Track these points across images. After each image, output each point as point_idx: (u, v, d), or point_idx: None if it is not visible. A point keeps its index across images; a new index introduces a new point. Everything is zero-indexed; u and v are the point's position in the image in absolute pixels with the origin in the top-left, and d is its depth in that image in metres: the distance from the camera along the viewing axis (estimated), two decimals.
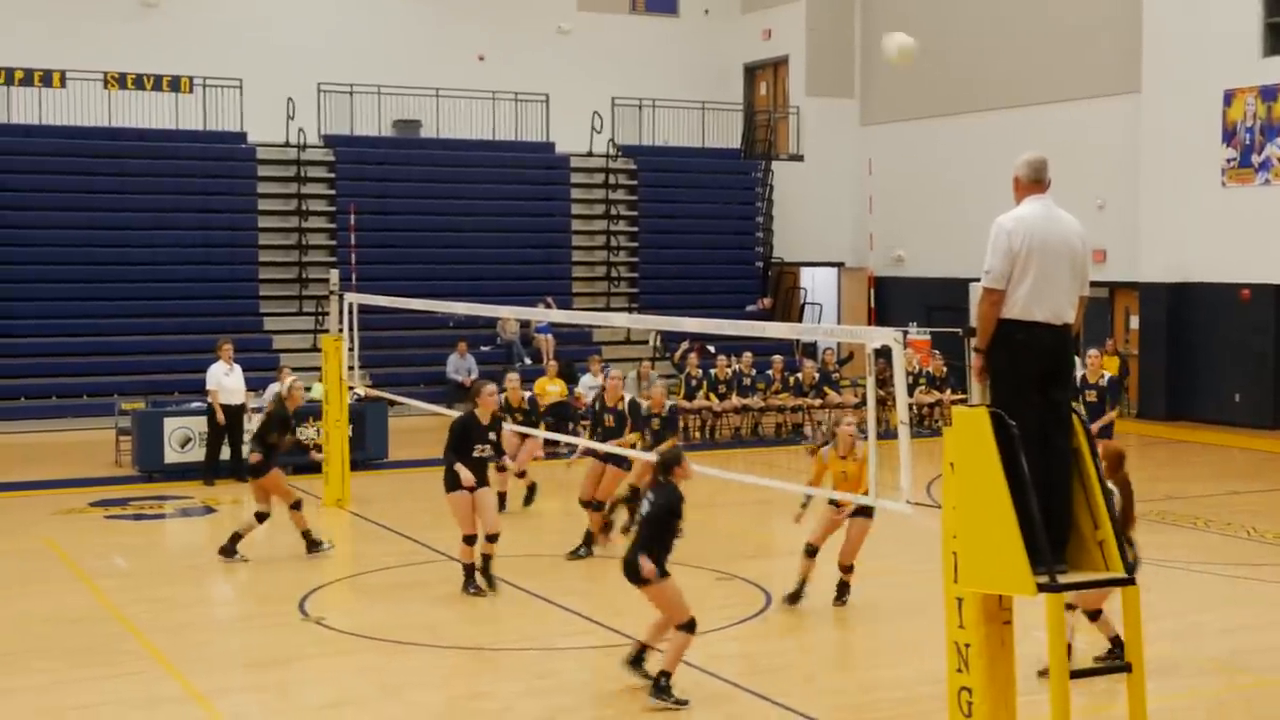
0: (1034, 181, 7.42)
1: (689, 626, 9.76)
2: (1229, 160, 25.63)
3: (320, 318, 26.84)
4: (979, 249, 7.35)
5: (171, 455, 19.63)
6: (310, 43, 31.31)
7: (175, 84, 29.05)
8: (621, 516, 14.54)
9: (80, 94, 28.56)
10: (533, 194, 31.51)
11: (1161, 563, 13.90)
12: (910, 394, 21.04)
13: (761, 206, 33.78)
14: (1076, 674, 7.04)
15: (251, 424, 17.73)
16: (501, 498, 15.82)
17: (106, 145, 28.29)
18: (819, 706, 9.82)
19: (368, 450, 20.38)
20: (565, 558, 14.47)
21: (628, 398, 15.09)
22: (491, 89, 31.91)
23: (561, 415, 21.84)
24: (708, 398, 24.24)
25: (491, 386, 13.26)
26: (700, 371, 24.69)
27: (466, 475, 12.52)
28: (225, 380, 19.21)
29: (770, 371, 25.03)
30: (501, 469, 13.22)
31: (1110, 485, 8.41)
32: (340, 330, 17.48)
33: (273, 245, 29.21)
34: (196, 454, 19.52)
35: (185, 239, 28.09)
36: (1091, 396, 16.39)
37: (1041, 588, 6.79)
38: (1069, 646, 10.10)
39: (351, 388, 18.19)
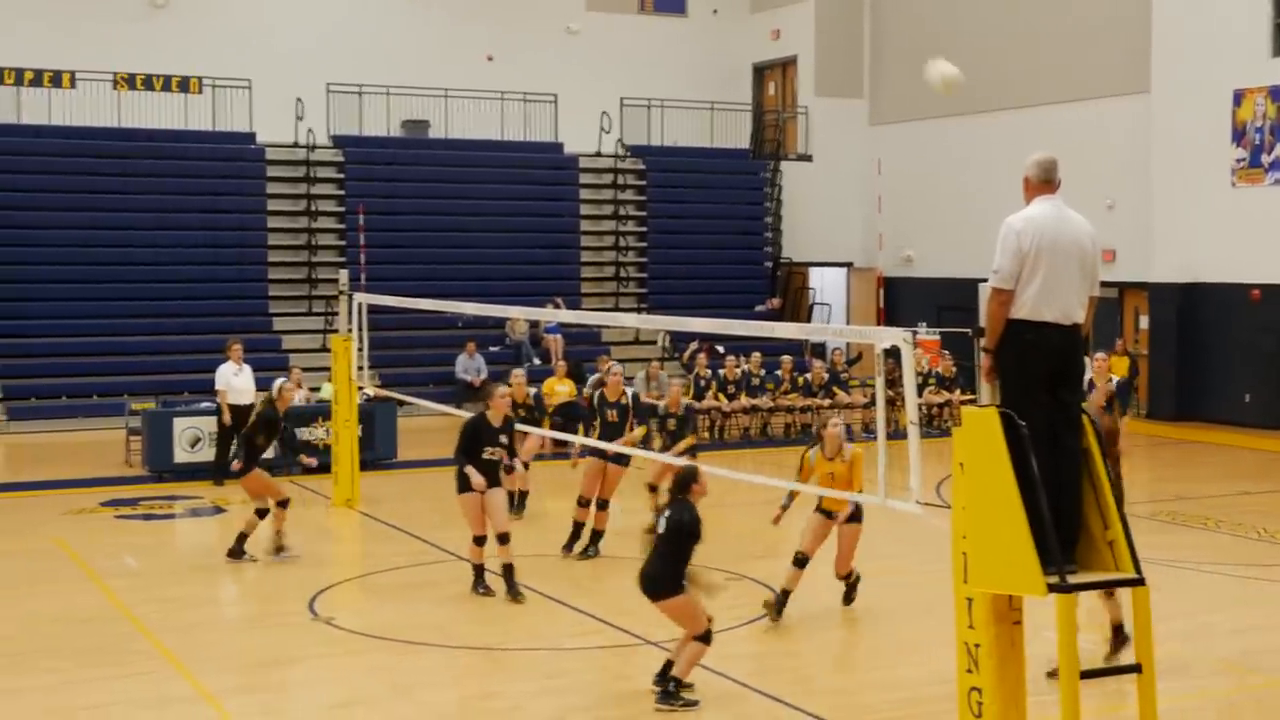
0: (1044, 182, 7.41)
1: (705, 638, 9.73)
2: (1239, 160, 25.58)
3: (329, 318, 26.86)
4: (988, 249, 7.34)
5: (181, 455, 19.67)
6: (319, 43, 31.33)
7: (184, 84, 29.09)
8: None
9: (89, 94, 28.61)
10: (541, 194, 31.52)
11: (1172, 563, 13.89)
12: (919, 394, 21.01)
13: (770, 206, 33.77)
14: (1087, 674, 7.02)
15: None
16: (513, 497, 15.77)
17: (116, 146, 28.33)
18: (827, 706, 9.81)
19: (377, 450, 20.40)
20: (575, 558, 14.48)
21: (629, 392, 15.05)
22: (500, 89, 31.93)
23: (570, 415, 21.83)
24: (716, 398, 24.24)
25: (504, 389, 13.24)
26: (709, 372, 24.69)
27: (477, 479, 12.50)
28: (234, 380, 19.22)
29: (779, 372, 25.02)
30: (509, 470, 13.18)
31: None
32: (349, 330, 17.49)
33: (282, 245, 29.24)
34: (206, 454, 19.54)
35: (194, 239, 28.12)
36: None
37: (1052, 588, 6.79)
38: (1122, 629, 10.06)
39: (361, 388, 18.21)
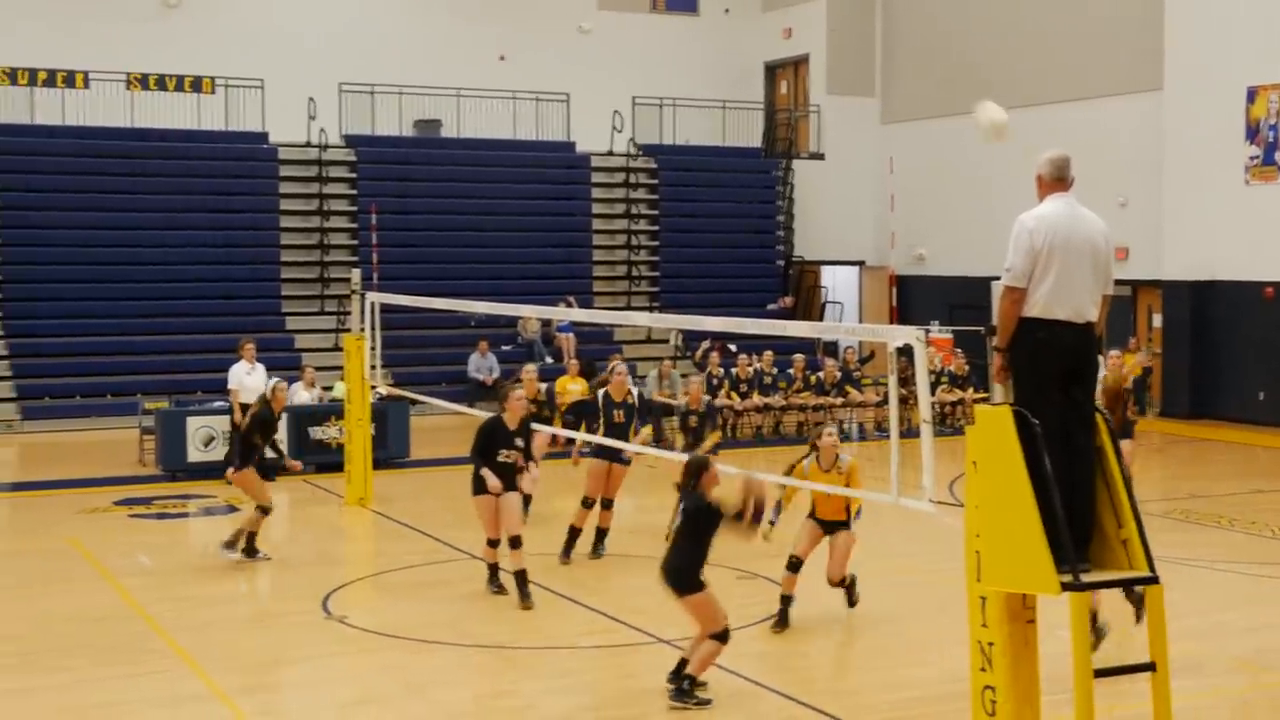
0: (1056, 179, 7.40)
1: (722, 636, 9.71)
2: (1252, 158, 25.51)
3: (342, 317, 26.91)
4: (1001, 247, 7.34)
5: (195, 454, 19.70)
6: (331, 43, 31.38)
7: (197, 84, 29.14)
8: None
9: (102, 95, 28.67)
10: (553, 193, 31.54)
11: (1186, 561, 13.86)
12: (932, 393, 20.98)
13: (782, 205, 33.76)
14: (1101, 673, 7.01)
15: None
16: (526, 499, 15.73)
17: (129, 146, 28.39)
18: (840, 705, 9.80)
19: (389, 449, 20.43)
20: (588, 557, 14.48)
21: (635, 392, 15.01)
22: (512, 88, 31.96)
23: (582, 414, 21.81)
24: (729, 396, 24.23)
25: (520, 391, 13.12)
26: (721, 370, 24.68)
27: (493, 482, 12.46)
28: (247, 379, 19.23)
29: (792, 370, 25.01)
30: (523, 470, 13.12)
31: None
32: (362, 329, 17.52)
33: (294, 245, 29.29)
34: (219, 453, 19.53)
35: (207, 239, 28.18)
36: None
37: (1065, 586, 6.78)
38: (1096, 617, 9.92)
39: (373, 387, 18.23)
